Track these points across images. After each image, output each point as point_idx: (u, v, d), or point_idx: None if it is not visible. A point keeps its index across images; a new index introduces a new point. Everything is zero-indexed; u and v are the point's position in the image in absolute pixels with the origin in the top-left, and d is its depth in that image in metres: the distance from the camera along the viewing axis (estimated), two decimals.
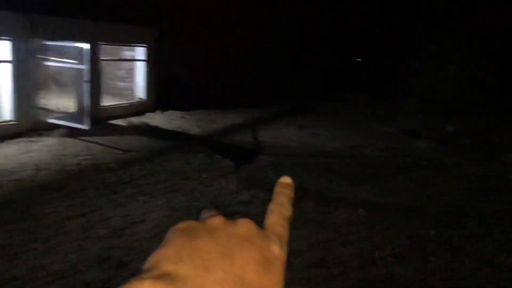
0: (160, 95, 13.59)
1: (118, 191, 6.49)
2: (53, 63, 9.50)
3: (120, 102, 12.74)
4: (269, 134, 11.08)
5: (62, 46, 9.52)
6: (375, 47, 19.97)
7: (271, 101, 16.46)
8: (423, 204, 6.61)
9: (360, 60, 20.54)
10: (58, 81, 10.55)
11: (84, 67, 8.86)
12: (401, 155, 9.61)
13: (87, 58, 8.79)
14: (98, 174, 7.23)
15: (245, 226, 0.42)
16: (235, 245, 0.39)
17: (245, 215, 4.31)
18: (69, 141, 9.25)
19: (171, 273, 0.35)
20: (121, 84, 13.73)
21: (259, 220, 0.47)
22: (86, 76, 8.83)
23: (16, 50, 8.87)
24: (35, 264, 4.30)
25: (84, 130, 9.19)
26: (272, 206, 0.47)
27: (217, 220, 0.42)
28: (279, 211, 0.46)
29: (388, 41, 19.21)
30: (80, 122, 9.15)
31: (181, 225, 0.41)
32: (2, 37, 8.75)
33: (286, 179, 0.50)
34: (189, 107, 13.65)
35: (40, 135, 9.45)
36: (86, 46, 8.77)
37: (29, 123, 9.38)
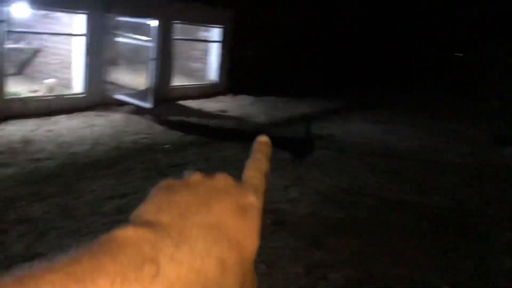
0: (233, 79, 13.36)
1: (167, 174, 6.28)
2: (125, 39, 9.52)
3: (191, 83, 12.68)
4: (338, 128, 10.41)
5: (134, 22, 9.52)
6: (452, 39, 18.14)
7: (345, 91, 15.64)
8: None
9: (460, 54, 18.58)
10: (129, 57, 10.65)
11: (151, 44, 8.76)
12: (486, 164, 8.47)
13: (154, 35, 8.68)
14: (152, 155, 7.09)
15: (222, 179, 0.44)
16: (212, 195, 0.41)
17: (289, 214, 3.74)
18: (134, 118, 9.28)
19: (152, 221, 0.36)
20: (195, 64, 13.66)
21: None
22: (152, 54, 8.73)
23: (90, 24, 9.00)
24: (60, 243, 4.16)
25: (149, 108, 9.14)
26: (249, 162, 0.51)
27: (196, 176, 0.44)
28: (256, 166, 0.50)
29: (468, 33, 17.32)
30: (144, 100, 9.12)
31: (162, 183, 0.44)
32: (78, 11, 8.91)
33: (263, 138, 0.53)
34: (261, 93, 13.27)
35: (107, 110, 9.59)
36: (154, 23, 8.65)
37: (98, 97, 9.55)
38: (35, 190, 5.25)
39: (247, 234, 0.40)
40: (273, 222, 4.99)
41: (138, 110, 9.58)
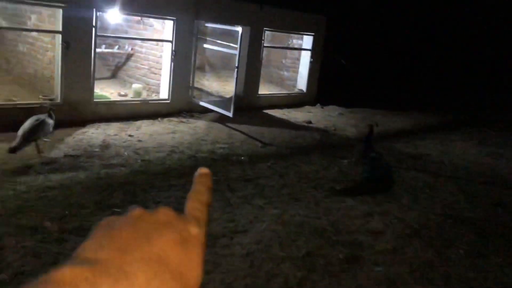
0: (321, 88, 12.74)
1: (237, 188, 5.88)
2: (212, 46, 9.37)
3: (278, 92, 12.26)
4: (436, 147, 9.32)
5: (223, 29, 9.33)
6: None
7: (448, 105, 14.20)
8: None
9: None
10: (217, 64, 10.52)
11: (236, 52, 8.48)
12: None
13: (240, 42, 8.38)
14: (226, 166, 6.75)
15: (164, 213, 0.45)
16: (153, 230, 0.42)
17: (367, 249, 3.00)
18: (216, 126, 9.07)
19: (91, 259, 0.37)
20: (285, 73, 13.25)
21: None
22: (237, 62, 8.44)
23: (177, 30, 8.96)
24: None
25: (232, 117, 8.86)
26: (190, 194, 0.51)
27: (136, 212, 0.44)
28: (197, 197, 0.50)
29: None
30: (227, 109, 8.85)
31: (103, 221, 0.44)
32: (166, 17, 8.91)
33: (203, 170, 0.53)
34: (351, 104, 12.47)
35: (191, 116, 9.50)
36: (240, 30, 8.35)
37: (183, 103, 9.50)
38: (100, 198, 5.12)
39: (190, 266, 0.42)
40: (345, 257, 4.33)
41: (221, 118, 9.37)
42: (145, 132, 8.02)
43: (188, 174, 6.20)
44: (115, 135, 7.61)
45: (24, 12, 8.87)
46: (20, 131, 5.88)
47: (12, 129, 6.81)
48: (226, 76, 11.29)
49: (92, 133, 7.53)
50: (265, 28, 10.73)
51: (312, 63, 12.28)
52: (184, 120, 9.19)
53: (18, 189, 5.12)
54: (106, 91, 9.52)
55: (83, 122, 7.93)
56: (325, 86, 12.65)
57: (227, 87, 11.07)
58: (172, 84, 9.22)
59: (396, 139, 9.92)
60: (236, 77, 8.54)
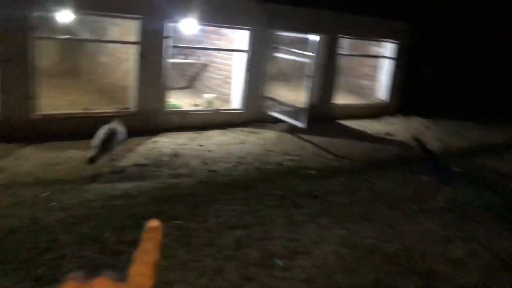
0: (403, 98, 11.98)
1: (302, 205, 5.55)
2: (286, 55, 9.14)
3: (355, 102, 11.71)
4: None
5: (297, 37, 9.08)
6: None
7: None
8: None
9: None
10: (290, 73, 10.27)
11: (308, 61, 8.16)
12: None
13: (314, 51, 8.06)
14: (293, 180, 6.44)
15: (101, 284, 0.44)
16: None
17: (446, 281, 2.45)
18: (287, 137, 8.80)
19: None
20: (363, 82, 12.65)
21: None
22: (309, 71, 8.12)
23: (252, 40, 8.85)
24: (167, 278, 3.75)
25: (303, 127, 8.54)
26: (136, 255, 0.50)
27: (71, 285, 0.44)
28: (143, 259, 0.49)
29: None
30: (299, 119, 8.55)
31: None
32: (242, 27, 8.84)
33: (153, 223, 0.51)
34: (436, 115, 11.58)
35: (263, 126, 9.32)
36: (314, 38, 8.04)
37: (254, 113, 9.35)
38: (162, 209, 5.05)
39: None
40: None
41: (293, 129, 9.09)
42: (215, 142, 7.96)
43: (253, 187, 5.99)
44: (185, 144, 7.62)
45: (106, 24, 9.27)
46: (96, 141, 5.99)
47: (88, 137, 7.07)
48: (300, 86, 11.00)
49: (164, 142, 7.60)
50: (341, 36, 10.29)
51: (395, 72, 11.59)
52: (255, 130, 9.02)
53: (86, 197, 5.21)
54: (180, 100, 9.64)
55: (155, 131, 8.05)
56: (407, 96, 11.89)
57: (300, 97, 10.78)
58: (245, 94, 9.11)
59: (485, 154, 8.99)
60: (309, 87, 8.21)
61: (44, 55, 8.07)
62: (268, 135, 8.82)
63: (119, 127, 6.35)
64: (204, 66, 10.69)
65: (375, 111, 11.53)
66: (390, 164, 7.78)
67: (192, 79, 11.21)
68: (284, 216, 5.15)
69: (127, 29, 8.44)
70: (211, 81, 10.48)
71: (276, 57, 9.34)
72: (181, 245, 4.29)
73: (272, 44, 9.17)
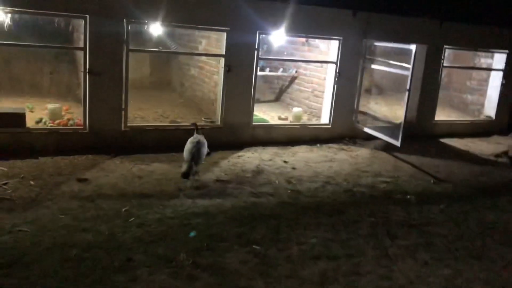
0: None
1: (398, 235, 4.89)
2: (381, 66, 8.47)
3: (460, 119, 10.60)
4: None
5: (393, 48, 8.38)
6: None
7: None
8: None
9: None
10: (387, 86, 9.52)
11: (406, 73, 7.42)
12: None
13: (414, 62, 7.31)
14: (387, 205, 5.78)
15: None
16: None
17: None
18: (381, 155, 8.09)
19: None
20: (469, 97, 11.47)
21: None
22: (408, 84, 7.38)
23: (342, 51, 8.32)
24: None
25: (398, 146, 7.80)
26: None
27: None
28: None
29: None
30: (394, 136, 7.82)
31: None
32: (332, 36, 8.35)
33: None
34: None
35: (354, 143, 8.70)
36: (414, 48, 7.31)
37: (344, 129, 8.77)
38: (241, 231, 4.70)
39: None
40: None
41: (388, 147, 8.36)
42: (301, 158, 7.51)
43: (341, 211, 5.45)
44: (270, 160, 7.26)
45: (197, 37, 9.30)
46: (188, 155, 5.79)
47: (174, 149, 7.01)
48: (397, 100, 10.19)
49: (248, 157, 7.31)
50: (445, 46, 9.37)
51: (504, 85, 10.34)
52: (345, 147, 8.43)
53: (165, 213, 5.03)
54: (267, 114, 9.36)
55: (240, 145, 7.81)
56: None
57: (398, 112, 9.97)
58: (335, 108, 8.57)
59: None
60: (407, 101, 7.46)
61: (135, 68, 8.25)
62: (360, 153, 8.18)
63: (203, 138, 6.17)
64: (293, 78, 10.33)
65: (482, 130, 10.37)
66: (501, 191, 6.77)
67: (279, 92, 10.89)
68: (376, 248, 4.54)
69: (215, 41, 8.35)
70: (299, 94, 10.08)
71: (371, 69, 8.70)
72: (260, 275, 3.88)
73: (367, 55, 8.55)
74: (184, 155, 5.88)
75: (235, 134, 7.81)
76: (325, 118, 8.74)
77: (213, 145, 6.56)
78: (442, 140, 9.69)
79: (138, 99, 8.99)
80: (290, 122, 8.79)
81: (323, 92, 9.17)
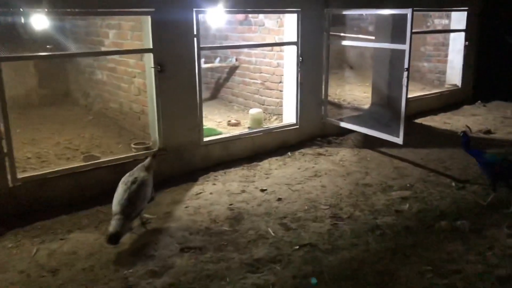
0: (480, 80, 9.56)
1: None
2: (352, 42, 6.64)
3: (427, 92, 9.22)
4: None
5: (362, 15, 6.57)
6: None
7: None
8: None
9: None
10: (355, 66, 7.78)
11: (403, 46, 5.64)
12: None
13: (411, 31, 5.55)
14: (440, 243, 3.98)
15: None
16: None
17: None
18: (368, 155, 6.34)
19: None
20: (425, 64, 10.17)
21: None
22: (406, 61, 5.61)
23: (302, 27, 6.35)
24: None
25: (400, 144, 6.04)
26: None
27: None
28: None
29: None
30: (389, 131, 6.09)
31: None
32: (286, 9, 6.33)
33: None
34: None
35: (328, 143, 6.85)
36: (409, 12, 5.56)
37: (314, 127, 6.88)
38: None
39: None
40: None
41: (368, 141, 6.68)
42: (279, 180, 5.46)
43: (385, 272, 3.53)
44: (242, 191, 5.12)
45: (99, 28, 6.73)
46: (116, 206, 3.76)
47: (100, 202, 4.64)
48: (364, 78, 8.55)
49: (210, 193, 5.09)
50: (416, 9, 7.77)
51: (466, 47, 9.11)
52: (321, 151, 6.54)
53: None
54: (210, 120, 7.16)
55: (192, 172, 5.59)
56: (485, 77, 9.47)
57: (367, 94, 8.33)
58: (301, 102, 6.61)
59: None
60: (407, 85, 5.69)
61: (15, 81, 5.61)
62: (343, 156, 6.34)
63: (145, 173, 4.03)
64: (233, 69, 8.16)
65: (450, 101, 9.09)
66: None
67: (216, 88, 8.69)
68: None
69: (130, 31, 5.94)
70: (244, 88, 8.00)
71: (338, 46, 6.84)
72: None
73: (329, 29, 6.67)
74: (113, 207, 3.80)
75: (183, 159, 5.55)
76: (290, 116, 6.75)
77: (154, 180, 4.31)
78: (417, 121, 8.21)
79: (26, 125, 6.34)
80: (249, 128, 6.65)
81: (278, 83, 7.19)
